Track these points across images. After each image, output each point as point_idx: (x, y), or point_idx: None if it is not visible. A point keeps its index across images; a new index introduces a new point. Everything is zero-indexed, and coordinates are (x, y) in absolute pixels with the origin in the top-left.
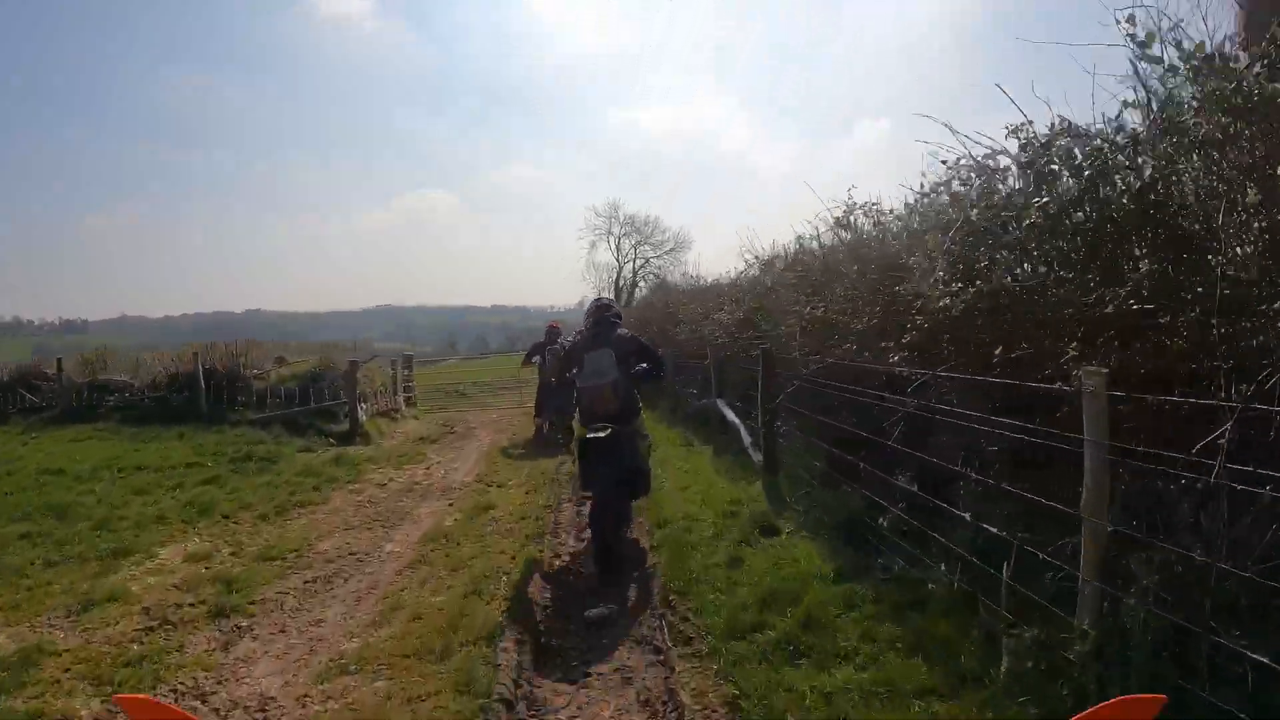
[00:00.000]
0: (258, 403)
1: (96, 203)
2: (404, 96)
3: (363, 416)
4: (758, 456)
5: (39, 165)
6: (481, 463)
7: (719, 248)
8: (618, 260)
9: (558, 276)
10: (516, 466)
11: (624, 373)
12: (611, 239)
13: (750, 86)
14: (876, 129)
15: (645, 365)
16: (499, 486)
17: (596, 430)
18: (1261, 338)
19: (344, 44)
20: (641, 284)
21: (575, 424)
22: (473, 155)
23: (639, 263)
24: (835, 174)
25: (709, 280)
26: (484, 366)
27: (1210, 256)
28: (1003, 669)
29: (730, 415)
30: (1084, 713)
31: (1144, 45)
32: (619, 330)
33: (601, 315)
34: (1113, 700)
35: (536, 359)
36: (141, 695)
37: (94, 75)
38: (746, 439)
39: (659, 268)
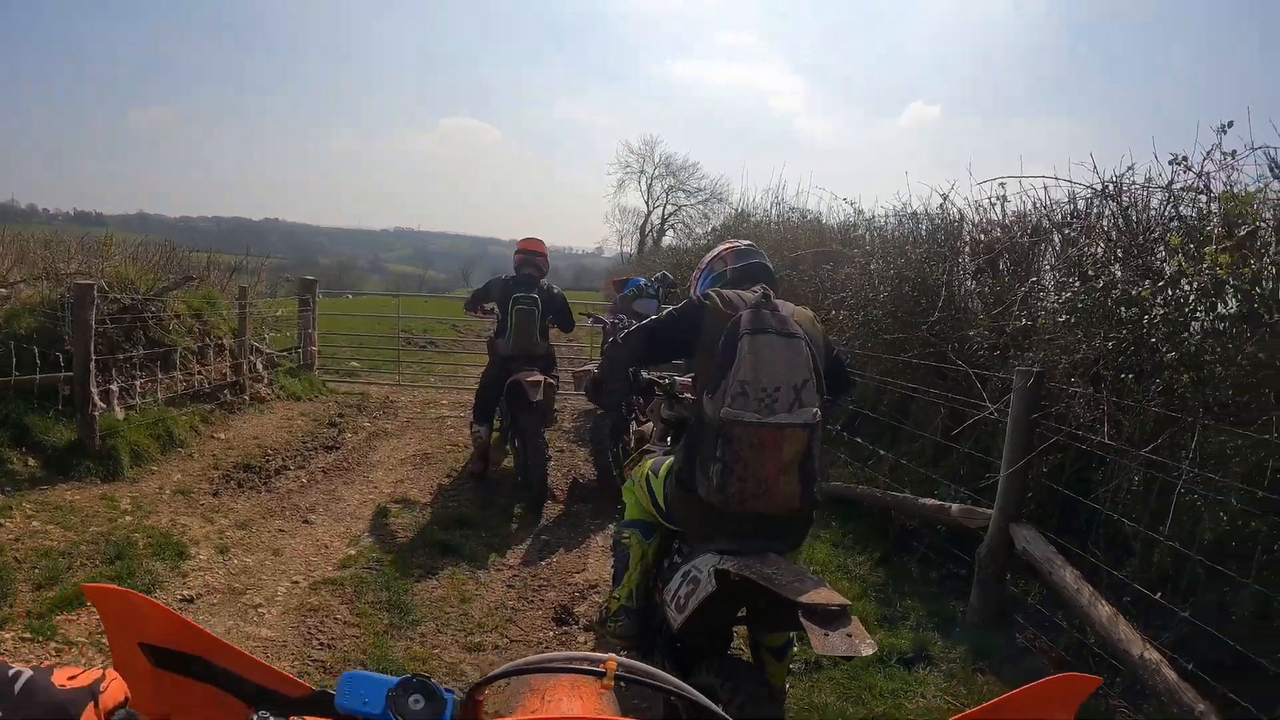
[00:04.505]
0: None
1: (140, 99)
2: (458, 21)
3: (117, 410)
4: None
5: (78, 61)
6: None
7: (751, 207)
8: (647, 204)
9: (584, 220)
10: None
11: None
12: (643, 179)
13: (805, 54)
14: (927, 114)
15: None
16: None
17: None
18: None
19: None
20: (670, 233)
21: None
22: (520, 89)
23: (669, 210)
24: (882, 152)
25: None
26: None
27: None
28: None
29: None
30: (1029, 684)
31: None
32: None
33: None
34: (1055, 676)
35: (491, 307)
36: (109, 585)
37: None
38: None
39: (690, 218)
